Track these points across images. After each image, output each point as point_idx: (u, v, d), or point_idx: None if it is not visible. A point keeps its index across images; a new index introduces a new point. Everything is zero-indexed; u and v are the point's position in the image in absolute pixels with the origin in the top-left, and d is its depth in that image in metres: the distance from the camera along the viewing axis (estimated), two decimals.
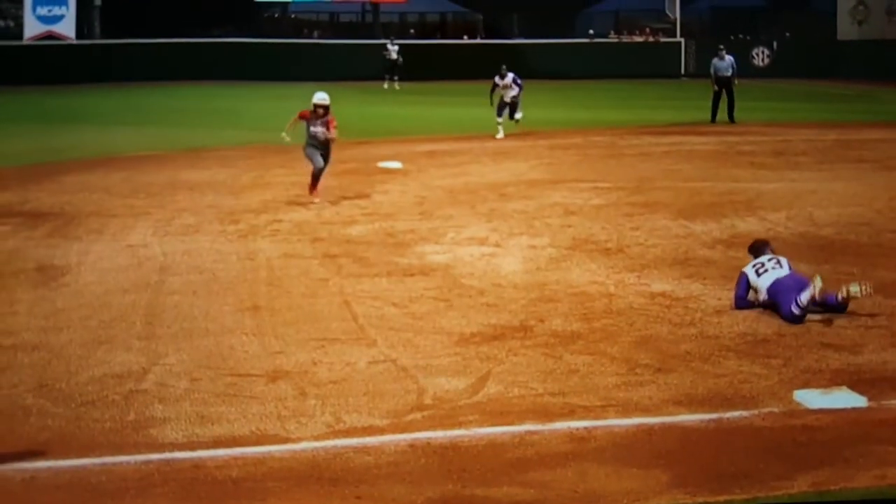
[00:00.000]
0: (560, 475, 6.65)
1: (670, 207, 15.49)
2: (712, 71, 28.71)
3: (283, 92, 38.90)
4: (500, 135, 24.89)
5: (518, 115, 25.50)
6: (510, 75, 25.26)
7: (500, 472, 6.70)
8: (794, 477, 6.61)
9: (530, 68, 46.29)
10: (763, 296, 10.00)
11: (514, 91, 25.25)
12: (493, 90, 25.64)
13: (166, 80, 42.13)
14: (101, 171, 19.43)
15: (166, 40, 45.43)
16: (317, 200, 15.90)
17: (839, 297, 9.71)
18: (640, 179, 18.18)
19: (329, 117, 15.95)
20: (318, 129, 15.89)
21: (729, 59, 28.64)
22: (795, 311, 9.59)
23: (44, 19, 44.98)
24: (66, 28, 45.68)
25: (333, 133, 15.92)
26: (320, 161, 15.96)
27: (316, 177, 16.05)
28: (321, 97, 16.02)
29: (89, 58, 44.40)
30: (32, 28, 45.15)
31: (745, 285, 10.16)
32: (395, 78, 42.26)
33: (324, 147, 15.97)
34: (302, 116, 16.12)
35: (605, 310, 10.21)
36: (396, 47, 43.31)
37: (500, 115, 25.18)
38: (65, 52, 44.46)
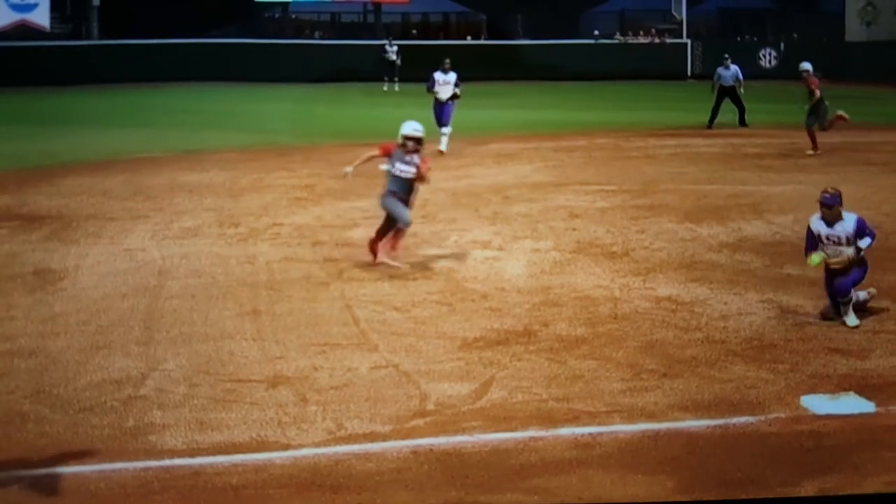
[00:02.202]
0: (564, 482, 6.62)
1: (676, 210, 15.40)
2: (715, 78, 28.43)
3: (283, 94, 38.93)
4: (444, 146, 21.87)
5: (449, 128, 22.08)
6: (453, 74, 22.56)
7: (504, 479, 6.67)
8: (801, 483, 6.60)
9: (534, 69, 46.35)
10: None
11: (449, 92, 22.32)
12: (432, 86, 22.70)
13: (165, 81, 42.01)
14: (100, 174, 19.33)
15: (165, 41, 45.27)
16: (395, 263, 12.11)
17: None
18: (645, 182, 18.09)
19: (424, 156, 12.46)
20: (406, 168, 12.24)
21: (734, 68, 28.27)
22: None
23: (16, 7, 43.47)
24: (40, 17, 43.95)
25: (425, 172, 12.26)
26: (406, 215, 12.24)
27: (399, 232, 12.30)
28: (415, 127, 12.36)
29: (87, 59, 44.20)
30: (5, 17, 43.66)
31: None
32: (395, 79, 42.07)
33: (407, 192, 12.34)
34: (385, 152, 12.39)
35: (610, 314, 10.15)
36: (395, 48, 43.10)
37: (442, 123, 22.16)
38: (63, 53, 44.23)
